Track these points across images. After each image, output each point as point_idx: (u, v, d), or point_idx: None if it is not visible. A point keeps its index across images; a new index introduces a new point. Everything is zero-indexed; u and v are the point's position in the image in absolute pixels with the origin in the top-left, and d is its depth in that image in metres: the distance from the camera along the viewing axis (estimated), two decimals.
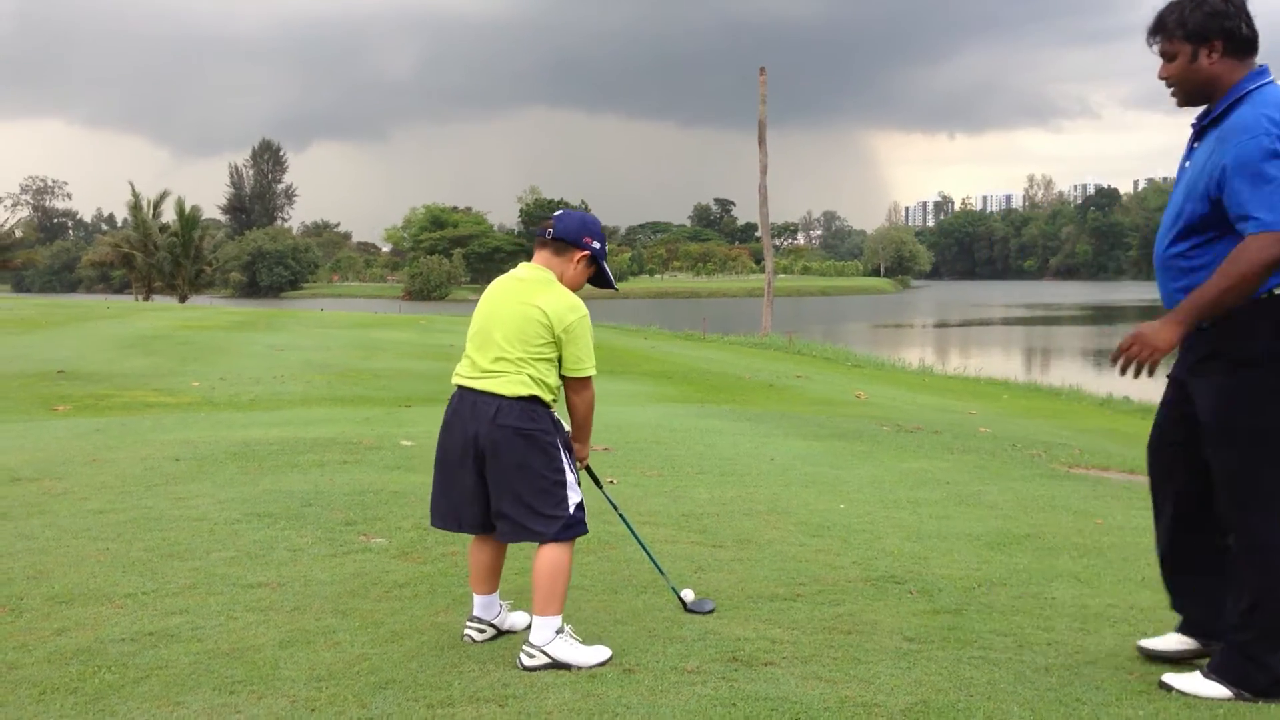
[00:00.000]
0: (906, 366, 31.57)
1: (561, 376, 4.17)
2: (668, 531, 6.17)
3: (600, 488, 4.79)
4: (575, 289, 4.32)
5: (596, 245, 4.29)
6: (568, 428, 4.31)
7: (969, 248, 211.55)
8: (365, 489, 6.94)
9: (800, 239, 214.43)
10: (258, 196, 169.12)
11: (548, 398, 4.12)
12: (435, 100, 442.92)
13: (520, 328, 4.08)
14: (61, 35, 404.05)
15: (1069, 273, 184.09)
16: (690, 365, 25.69)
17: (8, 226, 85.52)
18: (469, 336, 4.23)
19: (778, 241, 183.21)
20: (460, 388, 4.17)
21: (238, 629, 4.37)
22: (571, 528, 4.09)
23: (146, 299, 70.26)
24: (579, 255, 4.25)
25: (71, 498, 6.73)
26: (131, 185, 73.60)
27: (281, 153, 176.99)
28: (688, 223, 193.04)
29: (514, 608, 4.52)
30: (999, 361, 37.79)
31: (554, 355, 4.11)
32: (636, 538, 5.00)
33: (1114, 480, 8.96)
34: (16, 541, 5.67)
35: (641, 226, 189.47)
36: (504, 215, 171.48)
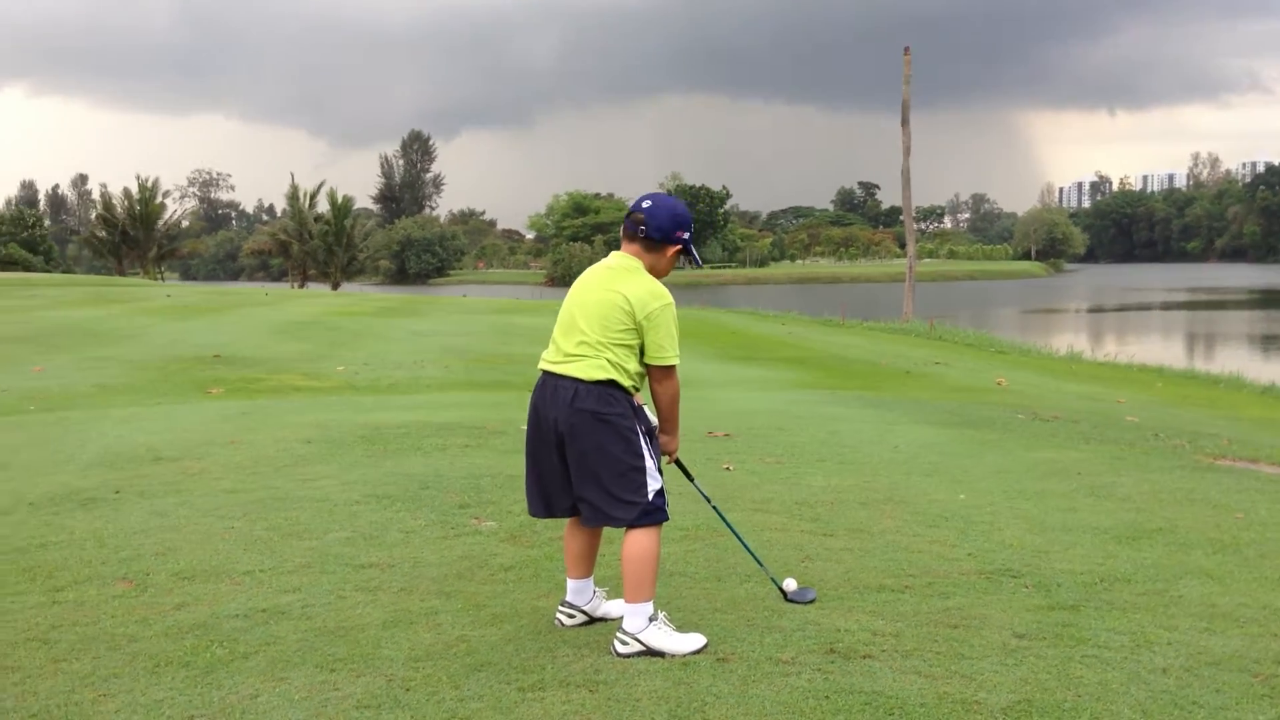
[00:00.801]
0: (1054, 353, 30.58)
1: (645, 365, 4.13)
2: (779, 519, 6.10)
3: (691, 480, 4.73)
4: (664, 276, 4.29)
5: (687, 236, 4.24)
6: (654, 417, 4.27)
7: (1127, 229, 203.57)
8: (483, 473, 7.04)
9: (947, 222, 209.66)
10: (407, 186, 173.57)
11: (626, 383, 4.09)
12: (578, 87, 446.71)
13: (602, 313, 4.07)
14: (224, 33, 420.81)
15: (1236, 255, 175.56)
16: (826, 351, 25.40)
17: (175, 217, 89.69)
18: (556, 323, 4.24)
19: (923, 225, 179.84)
20: (544, 372, 4.18)
21: (345, 608, 4.48)
22: (651, 514, 4.06)
23: (301, 286, 72.83)
24: (671, 250, 4.23)
25: (207, 477, 7.00)
26: (292, 176, 76.54)
27: (430, 143, 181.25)
28: (830, 207, 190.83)
29: (610, 596, 4.52)
30: (1156, 348, 36.31)
31: (635, 342, 4.08)
32: (731, 529, 4.93)
33: (1264, 473, 8.50)
34: (151, 519, 5.93)
35: (783, 211, 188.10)
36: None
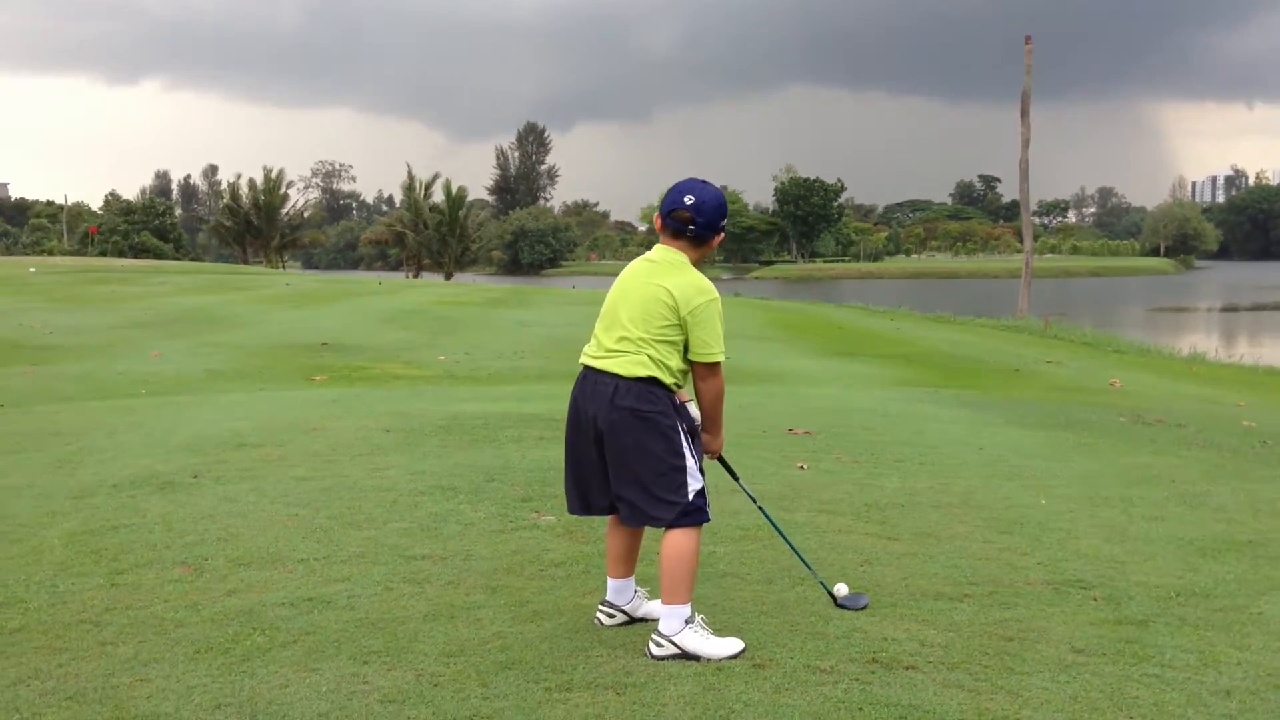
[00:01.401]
0: (1175, 353, 29.49)
1: (689, 362, 4.04)
2: (844, 521, 5.95)
3: (736, 480, 4.61)
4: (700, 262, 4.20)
5: (725, 221, 4.15)
6: (696, 413, 4.17)
7: (1263, 225, 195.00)
8: (550, 465, 7.02)
9: (1071, 217, 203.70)
10: (522, 177, 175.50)
11: (668, 380, 4.00)
12: (696, 80, 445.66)
13: (644, 308, 3.99)
14: (351, 29, 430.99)
15: None
16: (933, 348, 24.89)
17: (298, 207, 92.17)
18: (599, 317, 4.17)
19: (1046, 220, 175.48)
20: (585, 367, 4.12)
21: (390, 600, 4.49)
22: (690, 515, 3.97)
23: (416, 275, 74.19)
24: (716, 239, 4.14)
25: (283, 464, 7.11)
26: (408, 167, 77.95)
27: (545, 135, 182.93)
28: (949, 201, 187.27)
29: (651, 596, 4.44)
30: None
31: (678, 338, 3.99)
32: (779, 530, 4.80)
33: None
34: (220, 504, 6.04)
35: (899, 205, 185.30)
36: (759, 194, 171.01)
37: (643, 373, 3.95)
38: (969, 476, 7.34)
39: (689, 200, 4.04)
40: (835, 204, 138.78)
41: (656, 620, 4.23)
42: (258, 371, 17.00)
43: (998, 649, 4.06)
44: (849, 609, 4.47)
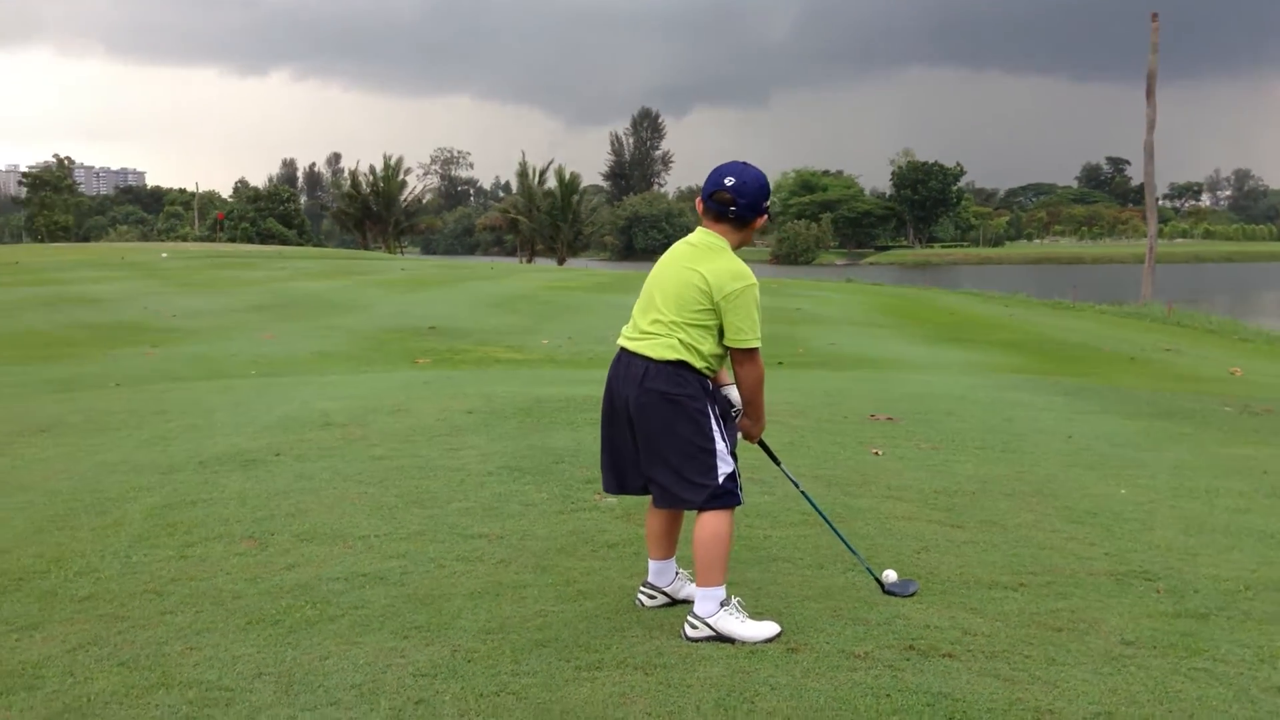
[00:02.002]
0: None
1: (726, 348, 4.02)
2: (908, 508, 5.86)
3: (778, 464, 4.56)
4: (744, 245, 4.17)
5: (769, 203, 4.13)
6: (736, 397, 4.14)
7: None
8: None
9: (1205, 200, 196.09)
10: (636, 163, 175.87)
11: (699, 364, 3.98)
12: (813, 62, 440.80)
13: (679, 292, 3.98)
14: (471, 17, 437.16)
15: None
16: (1045, 335, 24.30)
17: (416, 194, 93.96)
18: (638, 299, 4.18)
19: (1177, 203, 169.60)
20: (620, 349, 4.14)
21: (441, 576, 4.58)
22: (720, 498, 3.96)
23: (529, 261, 75.07)
24: (759, 221, 4.12)
25: (363, 444, 7.29)
26: (522, 154, 79.10)
27: (660, 120, 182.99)
28: (1074, 184, 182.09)
29: (692, 578, 4.45)
30: None
31: (711, 323, 3.97)
32: (823, 516, 4.75)
33: None
34: (296, 481, 6.22)
35: (1022, 188, 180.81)
36: (876, 179, 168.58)
37: (672, 356, 3.95)
38: (1049, 465, 7.17)
39: (729, 182, 4.03)
40: (954, 188, 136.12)
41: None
42: (364, 354, 17.42)
43: (1043, 639, 3.97)
44: (897, 595, 4.42)
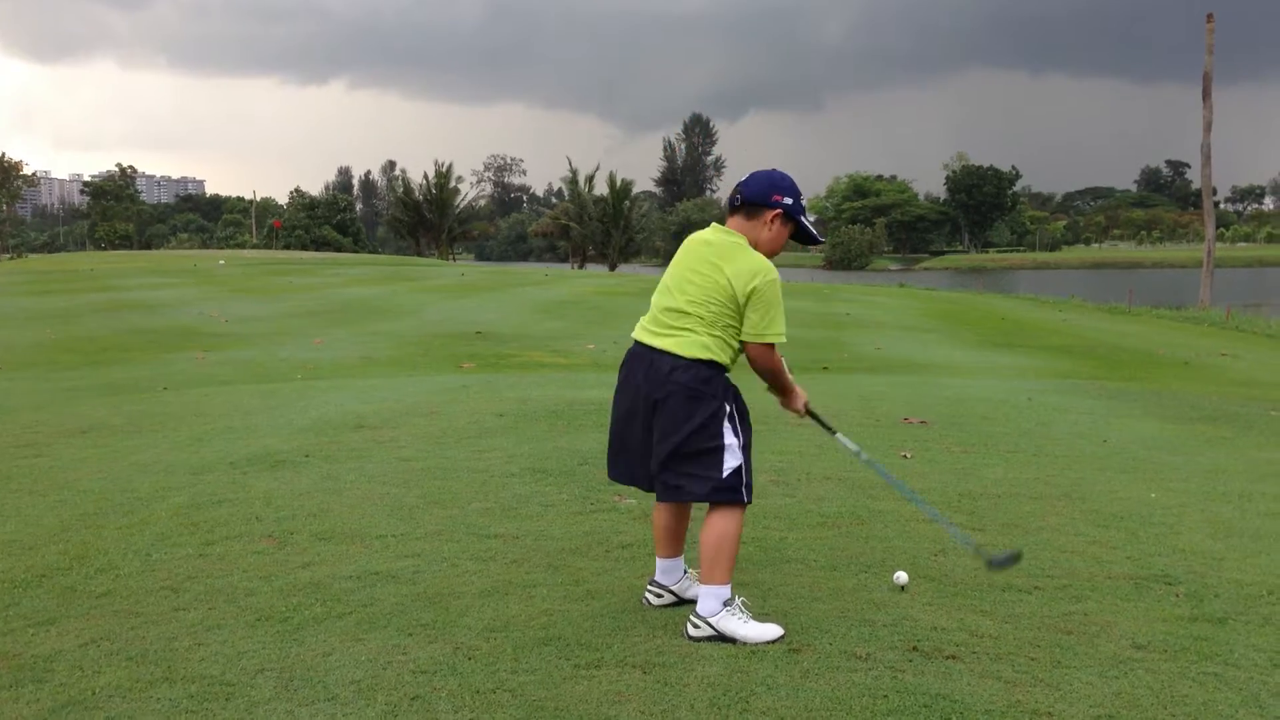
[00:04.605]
0: None
1: (742, 342, 4.03)
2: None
3: (834, 434, 4.45)
4: (775, 251, 4.17)
5: (788, 201, 4.12)
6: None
7: None
8: None
9: (1269, 203, 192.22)
10: (688, 169, 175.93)
11: (724, 360, 4.01)
12: (871, 66, 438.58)
13: (703, 289, 4.01)
14: (528, 26, 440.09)
15: None
16: (1098, 339, 23.94)
17: (468, 200, 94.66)
18: (655, 294, 4.19)
19: (1239, 207, 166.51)
20: (637, 343, 4.14)
21: (453, 575, 4.61)
22: (724, 492, 3.95)
23: (580, 267, 75.32)
24: (770, 215, 4.11)
25: (392, 446, 7.35)
26: (569, 161, 79.31)
27: (711, 126, 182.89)
28: (1133, 188, 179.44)
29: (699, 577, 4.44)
30: None
31: (735, 320, 3.99)
32: (891, 480, 4.60)
33: None
34: (322, 482, 6.29)
35: (1080, 192, 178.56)
36: (930, 183, 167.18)
37: (702, 355, 3.99)
38: (1081, 468, 7.06)
39: (744, 177, 4.17)
40: (1010, 192, 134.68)
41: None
42: (410, 359, 17.56)
43: (1052, 642, 3.92)
44: (1002, 568, 4.42)
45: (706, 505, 4.09)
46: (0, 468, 7.00)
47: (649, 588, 4.33)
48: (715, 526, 3.97)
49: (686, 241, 4.26)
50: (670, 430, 3.98)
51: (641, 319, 4.23)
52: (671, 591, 4.30)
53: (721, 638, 3.88)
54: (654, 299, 4.20)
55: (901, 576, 4.50)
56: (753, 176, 4.15)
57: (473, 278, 42.97)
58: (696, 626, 3.92)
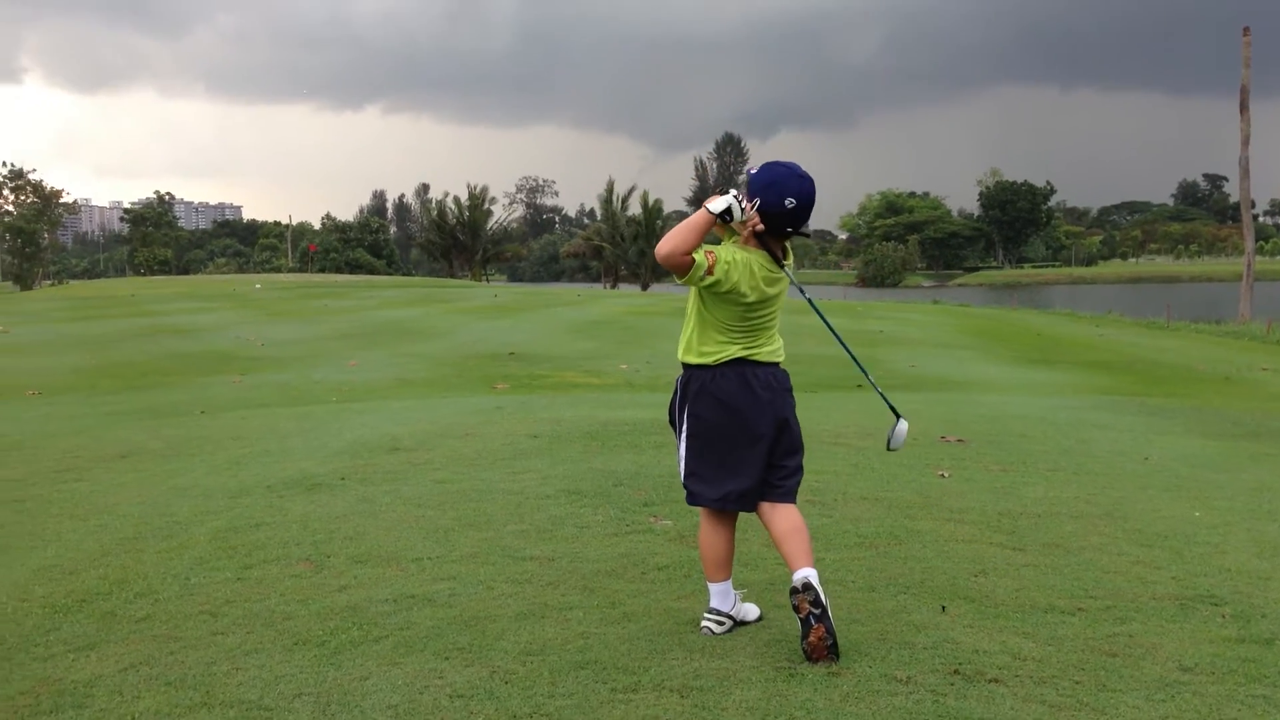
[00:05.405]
0: None
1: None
2: (970, 530, 5.74)
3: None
4: (747, 240, 4.16)
5: (767, 198, 4.10)
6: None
7: None
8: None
9: None
10: (721, 187, 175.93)
11: (694, 361, 4.25)
12: (901, 83, 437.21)
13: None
14: (558, 49, 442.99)
15: None
16: (1137, 355, 23.71)
17: (501, 223, 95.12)
18: (734, 315, 4.17)
19: (1278, 220, 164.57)
20: (748, 360, 4.15)
21: (489, 598, 4.59)
22: None
23: (613, 287, 75.42)
24: (750, 207, 4.11)
25: (427, 468, 7.36)
26: (610, 180, 79.59)
27: (742, 145, 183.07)
28: (1170, 201, 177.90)
29: (745, 598, 4.41)
30: None
31: (695, 305, 4.20)
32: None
33: None
34: (358, 504, 6.30)
35: (1116, 207, 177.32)
36: (963, 199, 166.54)
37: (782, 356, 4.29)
38: (1123, 487, 6.97)
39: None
40: (1044, 207, 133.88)
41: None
42: (444, 380, 17.62)
43: (1097, 664, 3.85)
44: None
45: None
46: (41, 492, 7.07)
47: (708, 616, 4.24)
48: (799, 515, 4.19)
49: (735, 255, 4.25)
50: (795, 434, 4.23)
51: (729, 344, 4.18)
52: (730, 616, 4.25)
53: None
54: (730, 319, 4.16)
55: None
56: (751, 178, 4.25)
57: (505, 299, 43.14)
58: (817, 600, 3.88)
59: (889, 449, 4.52)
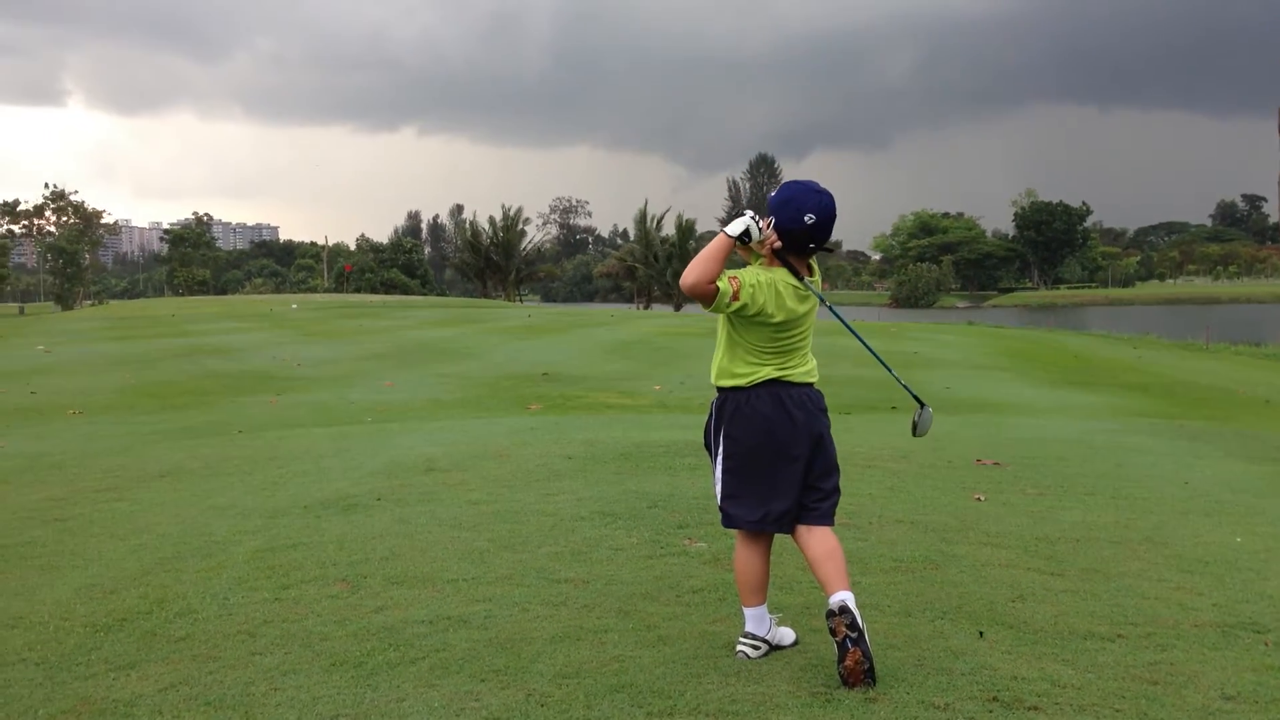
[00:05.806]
0: None
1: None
2: (1008, 555, 5.70)
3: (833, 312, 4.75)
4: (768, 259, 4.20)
5: (782, 217, 4.13)
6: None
7: None
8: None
9: None
10: (753, 208, 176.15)
11: (727, 382, 4.23)
12: (933, 103, 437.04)
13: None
14: (592, 71, 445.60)
15: None
16: (1175, 377, 23.49)
17: (534, 243, 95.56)
18: (770, 334, 4.17)
19: None
20: (781, 382, 4.15)
21: (524, 620, 4.60)
22: None
23: (646, 307, 75.52)
24: (766, 225, 4.15)
25: (462, 489, 7.39)
26: (646, 201, 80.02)
27: (775, 165, 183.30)
28: (1208, 222, 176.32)
29: (781, 622, 4.39)
30: None
31: (726, 331, 4.22)
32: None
33: None
34: (394, 525, 6.34)
35: (1153, 228, 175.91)
36: (998, 219, 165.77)
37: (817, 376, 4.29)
38: (1162, 511, 6.90)
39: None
40: (1080, 228, 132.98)
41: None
42: (478, 400, 17.70)
43: (1137, 692, 3.81)
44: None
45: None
46: (82, 512, 7.15)
47: (744, 640, 4.22)
48: (835, 538, 4.17)
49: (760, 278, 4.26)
50: (830, 455, 4.22)
51: (764, 365, 4.18)
52: (766, 641, 4.24)
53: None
54: (767, 340, 4.16)
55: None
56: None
57: (539, 319, 43.29)
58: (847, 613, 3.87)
59: (914, 435, 4.54)
